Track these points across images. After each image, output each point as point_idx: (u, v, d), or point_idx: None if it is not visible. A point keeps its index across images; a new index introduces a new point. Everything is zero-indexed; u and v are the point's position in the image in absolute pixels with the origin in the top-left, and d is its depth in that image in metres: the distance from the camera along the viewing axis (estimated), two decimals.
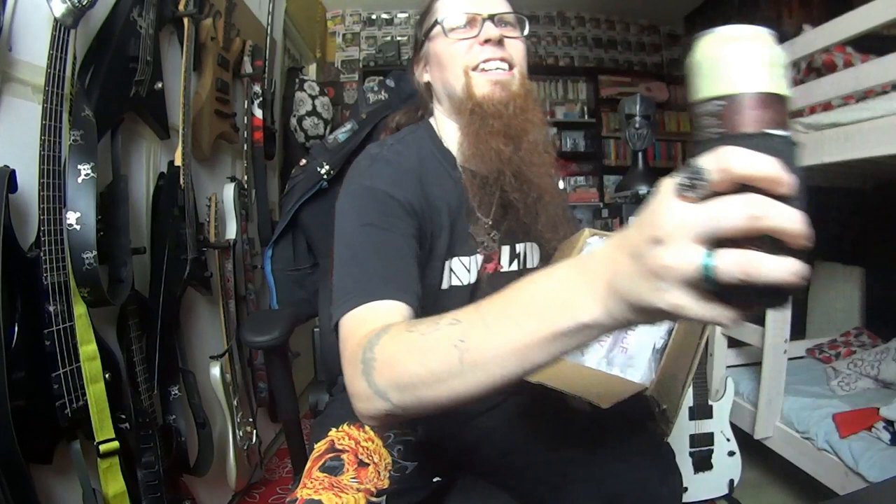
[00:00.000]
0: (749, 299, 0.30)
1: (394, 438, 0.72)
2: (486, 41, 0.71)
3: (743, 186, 0.29)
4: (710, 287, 0.29)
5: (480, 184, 0.75)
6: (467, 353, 0.41)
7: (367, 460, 0.67)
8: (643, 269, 0.31)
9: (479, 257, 0.77)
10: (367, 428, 0.71)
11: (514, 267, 0.81)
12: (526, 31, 0.76)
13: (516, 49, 0.73)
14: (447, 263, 0.74)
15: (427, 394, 0.45)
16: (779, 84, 0.32)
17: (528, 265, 0.82)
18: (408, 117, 0.88)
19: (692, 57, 0.34)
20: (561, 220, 0.81)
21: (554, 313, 0.37)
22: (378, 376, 0.47)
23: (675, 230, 0.30)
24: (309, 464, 0.69)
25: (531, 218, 0.78)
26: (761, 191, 0.29)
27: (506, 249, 0.81)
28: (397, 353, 0.47)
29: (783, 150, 0.31)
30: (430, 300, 0.67)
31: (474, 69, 0.71)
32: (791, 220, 0.28)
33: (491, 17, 0.72)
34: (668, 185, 0.31)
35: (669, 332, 0.62)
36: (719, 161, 0.29)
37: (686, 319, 0.32)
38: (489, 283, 0.76)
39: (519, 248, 0.82)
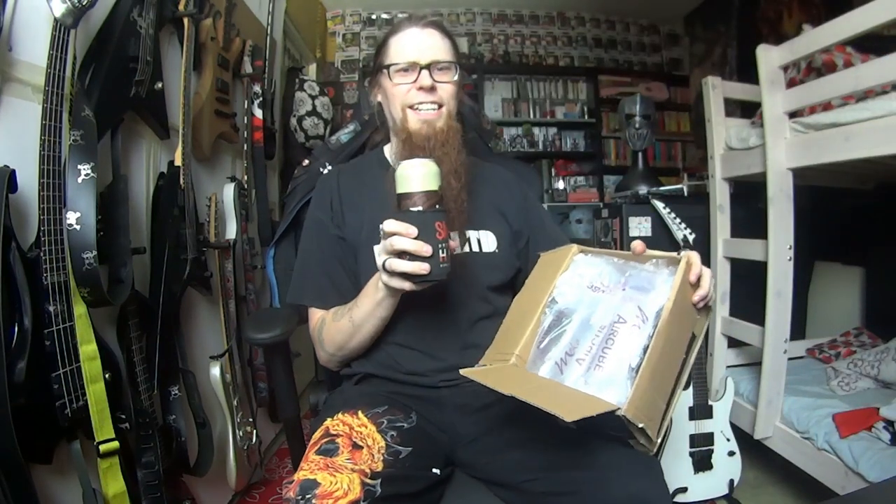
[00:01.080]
0: (403, 276, 0.69)
1: (387, 424, 0.75)
2: (420, 88, 0.86)
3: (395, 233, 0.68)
4: (387, 272, 0.71)
5: None
6: (352, 321, 0.84)
7: (360, 443, 0.70)
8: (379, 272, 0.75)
9: None
10: (360, 414, 0.76)
11: (466, 249, 0.92)
12: (456, 77, 0.90)
13: (446, 92, 0.89)
14: (376, 249, 0.86)
15: (349, 346, 0.87)
16: (421, 185, 0.70)
17: (485, 249, 0.93)
18: (378, 138, 1.09)
19: (397, 171, 0.72)
20: (508, 215, 0.98)
21: (374, 300, 0.80)
22: (326, 345, 0.91)
23: (377, 254, 0.78)
24: (306, 451, 0.71)
25: (470, 211, 0.92)
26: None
27: (454, 235, 0.89)
28: (331, 332, 0.89)
29: (414, 218, 0.69)
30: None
31: (410, 107, 0.88)
32: (408, 245, 0.67)
33: (427, 66, 0.86)
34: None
35: (645, 350, 0.62)
36: (385, 224, 0.70)
37: (391, 287, 0.74)
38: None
39: (470, 233, 0.93)
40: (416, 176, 0.69)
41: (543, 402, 0.56)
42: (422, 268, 0.67)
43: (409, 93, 0.87)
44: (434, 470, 0.74)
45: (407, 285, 0.70)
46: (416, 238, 0.67)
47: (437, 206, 0.70)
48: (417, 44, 0.89)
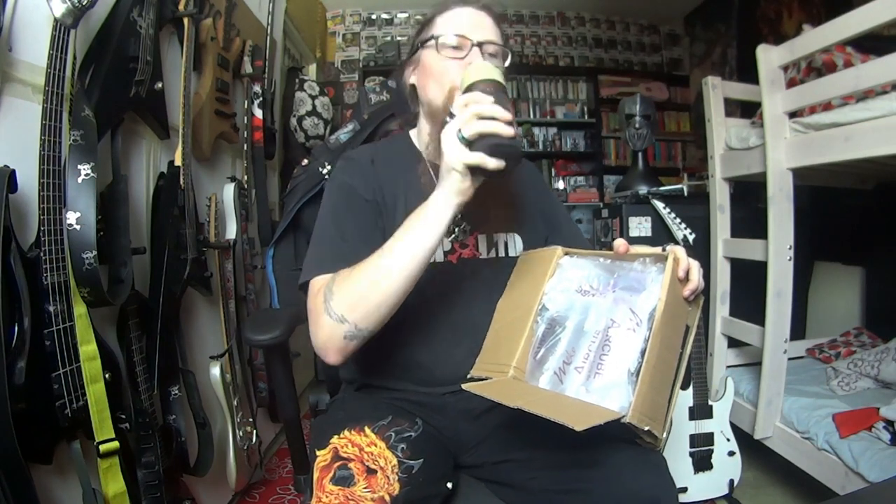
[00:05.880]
0: (488, 147, 0.62)
1: (395, 438, 0.73)
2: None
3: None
4: (464, 142, 0.63)
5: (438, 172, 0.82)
6: (384, 258, 0.68)
7: (373, 466, 0.68)
8: (445, 166, 0.66)
9: (447, 241, 0.85)
10: (367, 431, 0.72)
11: (493, 254, 0.88)
12: (507, 63, 0.85)
13: None
14: None
15: (371, 303, 0.68)
16: (489, 74, 0.67)
17: (511, 253, 0.89)
18: (395, 126, 1.02)
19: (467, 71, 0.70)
20: (533, 217, 0.94)
21: (424, 216, 0.67)
22: (335, 303, 0.69)
23: (448, 131, 0.65)
24: (316, 474, 0.69)
25: (497, 211, 0.88)
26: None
27: (482, 238, 0.88)
28: (344, 284, 0.70)
29: (492, 92, 0.65)
30: None
31: (457, 88, 0.79)
32: (492, 109, 0.63)
33: (479, 45, 0.80)
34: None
35: (642, 353, 0.62)
36: (460, 98, 0.66)
37: (469, 168, 0.64)
38: (468, 267, 0.86)
39: (497, 237, 0.89)
40: (484, 68, 0.68)
41: (551, 412, 0.56)
42: (508, 130, 0.62)
43: (458, 70, 0.79)
44: (448, 485, 0.74)
45: (492, 163, 0.62)
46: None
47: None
48: (470, 21, 0.83)
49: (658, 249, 0.69)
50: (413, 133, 0.95)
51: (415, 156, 0.90)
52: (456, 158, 0.63)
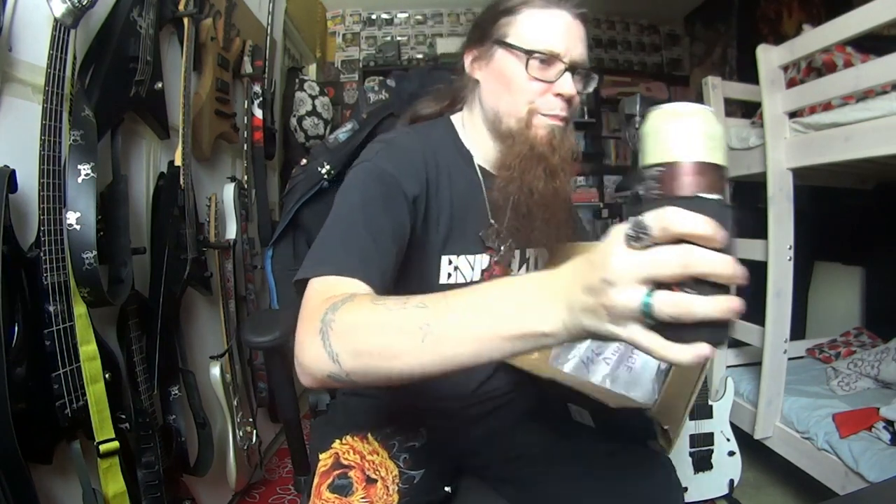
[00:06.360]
0: (686, 334, 0.35)
1: (398, 447, 0.72)
2: (559, 94, 0.70)
3: (681, 239, 0.34)
4: (651, 322, 0.35)
5: (498, 187, 0.75)
6: (430, 337, 0.44)
7: (374, 476, 0.67)
8: (596, 303, 0.37)
9: (486, 258, 0.77)
10: (370, 438, 0.71)
11: (523, 271, 0.81)
12: (591, 89, 0.76)
13: (575, 106, 0.73)
14: (445, 258, 0.73)
15: (380, 365, 0.47)
16: (714, 155, 0.36)
17: (539, 269, 0.83)
18: (430, 110, 0.85)
19: (643, 127, 0.39)
20: (569, 230, 0.84)
21: (516, 317, 0.41)
22: (335, 338, 0.49)
23: (622, 274, 0.35)
24: (316, 479, 0.69)
25: (542, 227, 0.78)
26: (696, 243, 0.34)
27: (517, 254, 0.81)
28: (359, 321, 0.49)
29: (716, 211, 0.35)
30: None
31: (537, 112, 0.72)
32: (719, 265, 0.34)
33: (572, 69, 0.70)
34: (618, 233, 0.36)
35: None
36: (658, 219, 0.34)
37: (639, 348, 0.37)
38: None
39: (529, 252, 0.83)
40: (701, 135, 0.37)
41: (585, 389, 0.56)
42: (734, 307, 0.35)
43: (545, 96, 0.70)
44: (446, 488, 0.74)
45: (704, 350, 0.35)
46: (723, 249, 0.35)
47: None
48: (566, 32, 0.70)
49: None
50: (457, 121, 0.81)
51: (462, 155, 0.78)
52: (629, 311, 0.36)
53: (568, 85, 0.70)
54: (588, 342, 0.69)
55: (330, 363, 0.49)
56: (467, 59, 0.78)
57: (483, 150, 0.77)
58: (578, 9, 0.71)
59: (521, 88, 0.71)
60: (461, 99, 0.82)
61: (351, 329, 0.48)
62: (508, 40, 0.71)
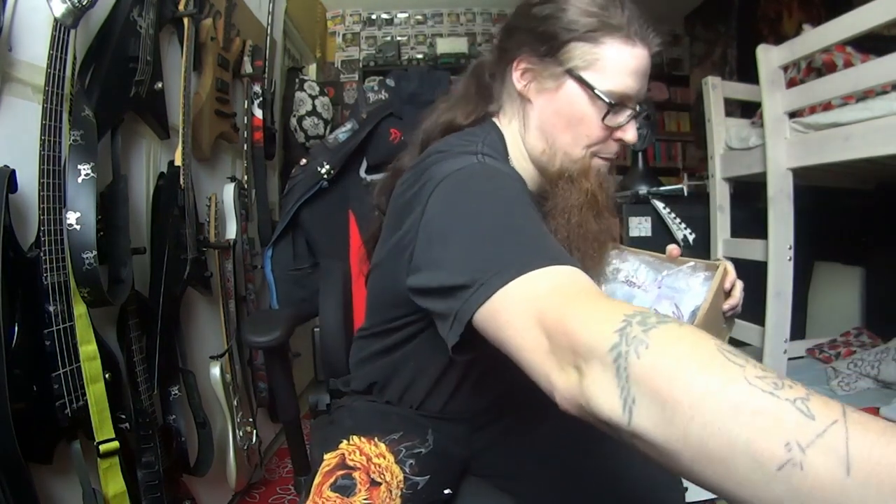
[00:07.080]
0: None
1: (405, 453, 0.71)
2: (618, 139, 0.67)
3: None
4: None
5: (551, 229, 0.69)
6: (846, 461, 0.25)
7: (378, 479, 0.67)
8: None
9: None
10: (377, 441, 0.71)
11: None
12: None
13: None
14: None
15: (705, 472, 0.29)
16: None
17: None
18: (468, 120, 0.74)
19: None
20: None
21: None
22: (641, 381, 0.32)
23: None
24: (318, 478, 0.68)
25: (589, 263, 0.72)
26: None
27: None
28: (696, 382, 0.30)
29: None
30: None
31: (597, 155, 0.68)
32: None
33: (640, 113, 0.66)
34: None
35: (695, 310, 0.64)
36: None
37: None
38: None
39: None
40: None
41: None
42: None
43: (608, 142, 0.67)
44: (446, 491, 0.73)
45: None
46: None
47: None
48: (644, 75, 0.65)
49: (710, 260, 0.71)
50: (506, 132, 0.72)
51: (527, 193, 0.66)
52: None
53: (632, 134, 0.65)
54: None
55: (618, 409, 0.33)
56: (516, 71, 0.68)
57: (525, 173, 0.71)
58: (659, 45, 0.65)
59: (589, 133, 0.65)
60: (494, 103, 0.74)
61: (675, 384, 0.30)
62: (587, 78, 0.63)
